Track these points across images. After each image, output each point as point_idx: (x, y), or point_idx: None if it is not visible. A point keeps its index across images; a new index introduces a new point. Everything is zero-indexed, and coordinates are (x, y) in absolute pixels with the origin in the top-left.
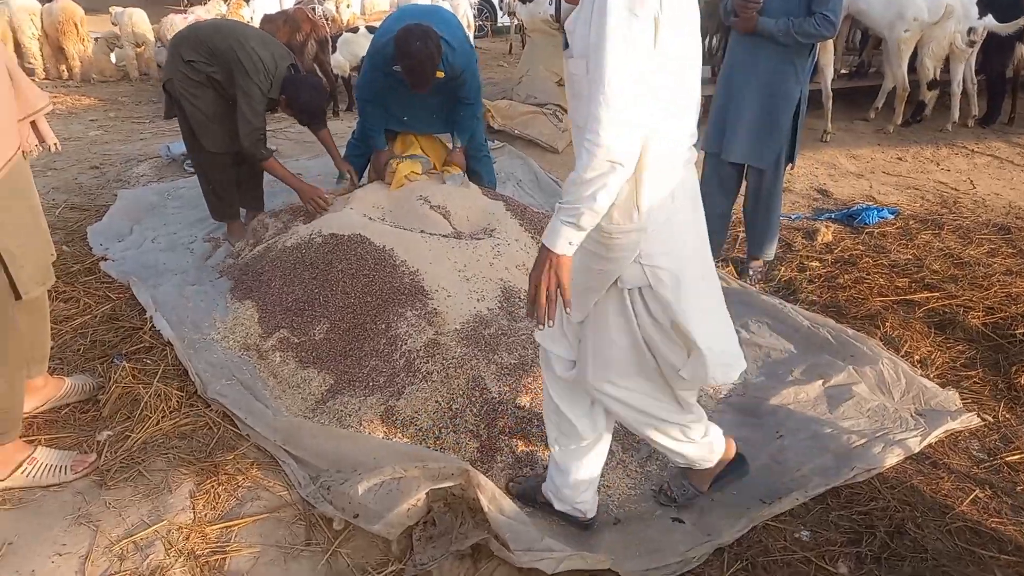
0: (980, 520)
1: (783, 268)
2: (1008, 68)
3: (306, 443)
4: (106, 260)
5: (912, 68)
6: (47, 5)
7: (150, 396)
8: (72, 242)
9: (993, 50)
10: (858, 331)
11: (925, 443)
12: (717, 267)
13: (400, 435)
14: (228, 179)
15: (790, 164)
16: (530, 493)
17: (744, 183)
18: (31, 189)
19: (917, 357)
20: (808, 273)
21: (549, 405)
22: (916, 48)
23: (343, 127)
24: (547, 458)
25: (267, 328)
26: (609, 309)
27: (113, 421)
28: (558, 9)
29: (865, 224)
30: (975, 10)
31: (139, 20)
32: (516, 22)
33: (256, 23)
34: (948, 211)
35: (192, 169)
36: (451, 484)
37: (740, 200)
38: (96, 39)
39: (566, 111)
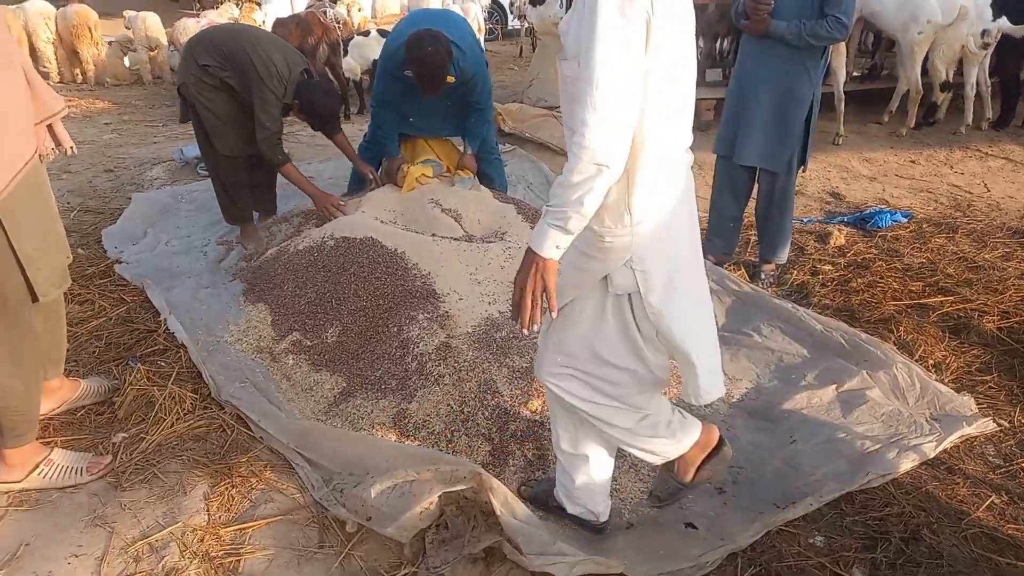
0: (996, 526)
1: (795, 272)
2: (1022, 70)
3: (319, 446)
4: (120, 263)
5: (925, 70)
6: (61, 9)
7: (164, 398)
8: (87, 245)
9: (1007, 52)
10: (872, 335)
11: (940, 448)
12: (729, 270)
13: (412, 438)
14: (241, 183)
15: (802, 167)
16: (542, 497)
17: (756, 186)
18: (48, 192)
19: (931, 361)
20: (821, 277)
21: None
22: (929, 50)
23: (354, 130)
24: None
25: (280, 331)
26: (588, 306)
27: (128, 423)
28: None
29: (878, 227)
30: (989, 12)
31: (152, 24)
32: (526, 25)
33: (268, 27)
34: (962, 214)
35: (205, 172)
36: (463, 487)
37: (752, 203)
38: (110, 43)
39: None
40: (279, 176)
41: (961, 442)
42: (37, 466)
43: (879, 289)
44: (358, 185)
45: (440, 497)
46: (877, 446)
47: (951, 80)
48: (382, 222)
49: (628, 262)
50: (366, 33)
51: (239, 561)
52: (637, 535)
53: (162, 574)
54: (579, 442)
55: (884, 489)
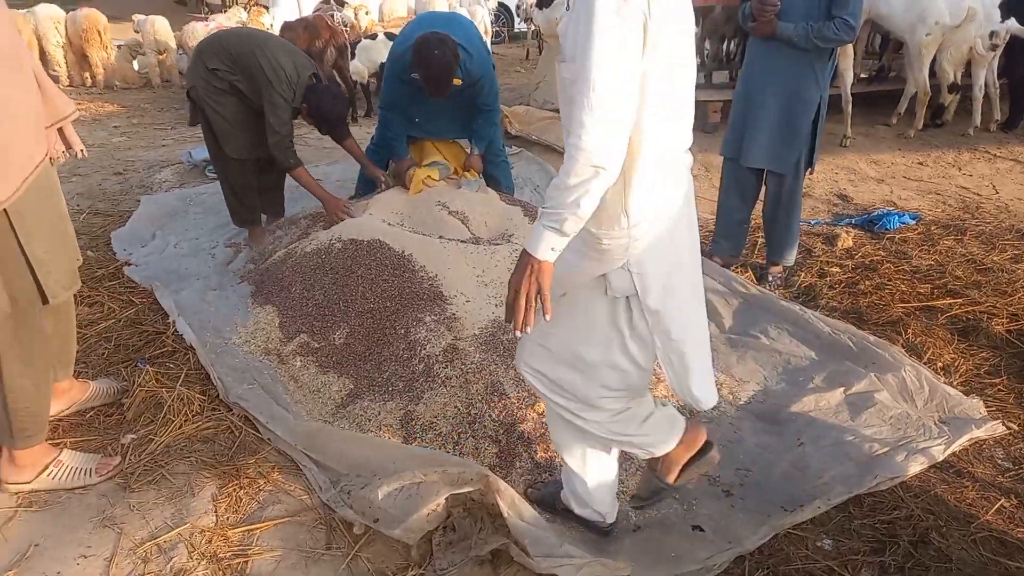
0: (1006, 530)
1: (803, 274)
2: None
3: (326, 447)
4: (129, 265)
5: (932, 72)
6: (71, 13)
7: (173, 400)
8: (96, 247)
9: (1016, 54)
10: (880, 338)
11: (949, 451)
12: (736, 272)
13: (419, 440)
14: (250, 185)
15: (809, 169)
16: (549, 499)
17: (763, 188)
18: (58, 195)
19: (940, 364)
20: (828, 279)
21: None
22: (936, 52)
23: (361, 133)
24: None
25: (288, 333)
26: (580, 299)
27: (137, 424)
28: None
29: (886, 229)
30: (998, 13)
31: (161, 28)
32: (533, 28)
33: (276, 30)
34: (970, 216)
35: (214, 175)
36: (470, 489)
37: (759, 205)
38: (119, 47)
39: None
40: (287, 179)
41: (970, 445)
42: (47, 467)
43: (887, 291)
44: (366, 187)
45: (447, 499)
46: (885, 449)
47: (959, 82)
48: (389, 224)
49: (625, 265)
50: (373, 36)
51: (247, 562)
52: (644, 537)
53: (170, 575)
54: (573, 443)
55: (892, 492)
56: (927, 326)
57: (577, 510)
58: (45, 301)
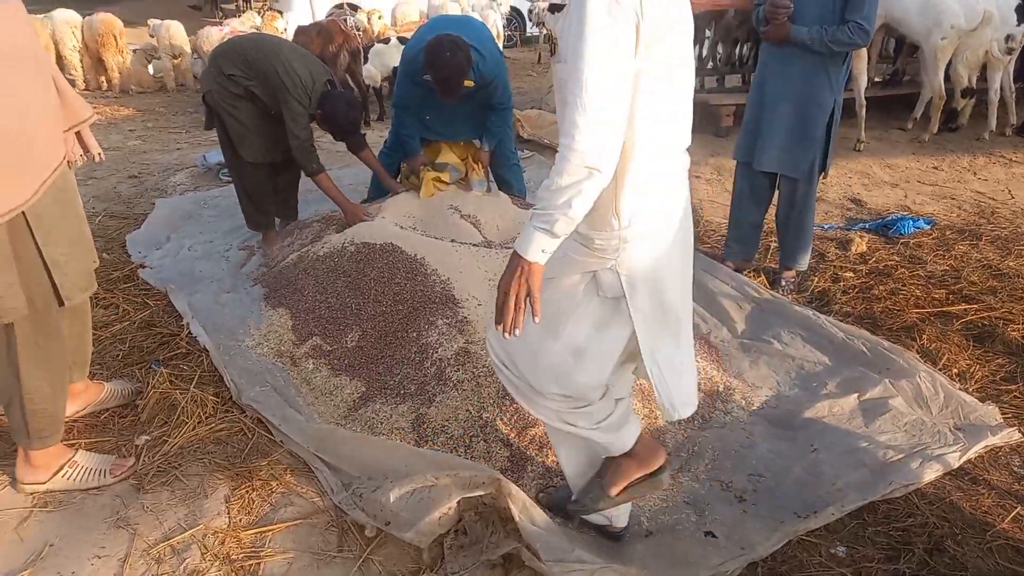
0: (1022, 538)
1: (816, 279)
2: None
3: (338, 450)
4: (144, 267)
5: (947, 76)
6: (88, 18)
7: (187, 401)
8: (111, 250)
9: None
10: (894, 343)
11: (964, 458)
12: (749, 277)
13: (431, 443)
14: (265, 189)
15: (823, 173)
16: (560, 504)
17: (776, 192)
18: (76, 198)
19: (955, 370)
20: (842, 284)
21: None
22: (952, 55)
23: (374, 136)
24: None
25: (300, 335)
26: (564, 284)
27: (151, 426)
28: None
29: (900, 234)
30: (1014, 17)
31: (176, 32)
32: (545, 32)
33: (290, 35)
34: (986, 221)
35: (228, 178)
36: (482, 493)
37: (772, 209)
38: (134, 51)
39: None
40: (300, 183)
41: (985, 452)
42: (62, 468)
43: (901, 297)
44: (378, 192)
45: (459, 502)
46: (900, 456)
47: (974, 86)
48: (402, 228)
49: (614, 266)
50: (386, 40)
51: (259, 564)
52: (656, 543)
53: None
54: (569, 447)
55: (907, 499)
56: (942, 332)
57: (587, 516)
58: (61, 303)
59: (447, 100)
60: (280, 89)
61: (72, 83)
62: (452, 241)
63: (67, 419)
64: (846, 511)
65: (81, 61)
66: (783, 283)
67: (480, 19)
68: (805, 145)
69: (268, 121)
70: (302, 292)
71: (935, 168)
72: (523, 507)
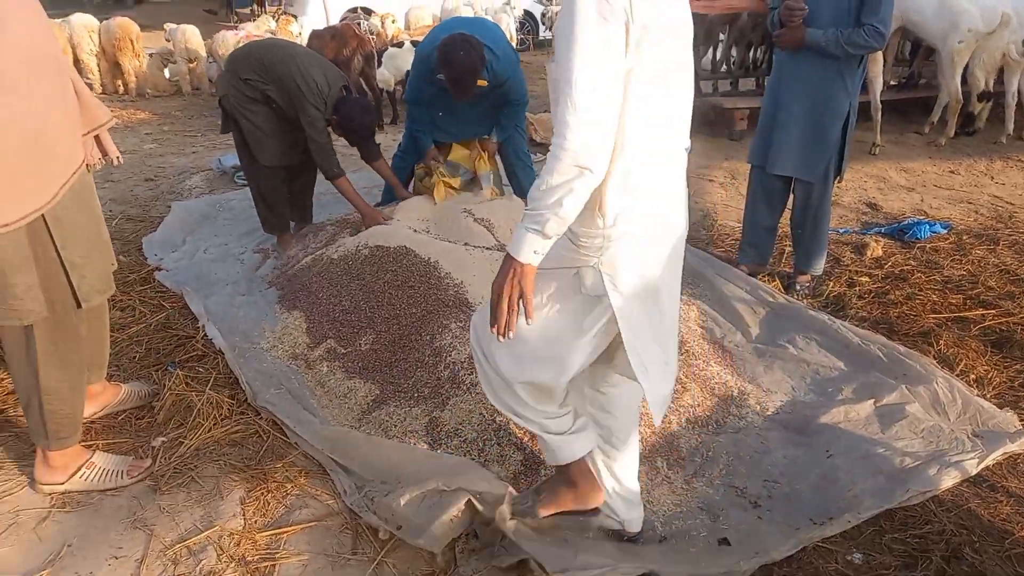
0: None
1: (831, 283)
2: None
3: (351, 453)
4: (160, 270)
5: (964, 79)
6: (105, 22)
7: (203, 403)
8: (128, 252)
9: None
10: (911, 349)
11: (983, 465)
12: (763, 281)
13: (444, 446)
14: (280, 193)
15: (838, 177)
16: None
17: (791, 196)
18: (94, 201)
19: (973, 376)
20: (857, 289)
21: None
22: (969, 59)
23: (387, 140)
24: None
25: (315, 338)
26: (549, 275)
27: (167, 427)
28: None
29: (916, 239)
30: None
31: (192, 36)
32: None
33: (304, 39)
34: (1003, 226)
35: (243, 181)
36: (483, 510)
37: (787, 213)
38: (151, 55)
39: None
40: (315, 186)
41: (1004, 459)
42: (79, 468)
43: (918, 302)
44: (390, 196)
45: (468, 504)
46: (917, 462)
47: (991, 89)
48: (416, 231)
49: (597, 264)
50: (400, 44)
51: (274, 566)
52: (669, 548)
53: None
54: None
55: (924, 506)
56: (959, 337)
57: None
58: (79, 305)
59: (460, 99)
60: (296, 94)
61: (89, 87)
62: (465, 245)
63: (85, 420)
64: (862, 518)
65: (98, 65)
66: (798, 287)
67: (493, 22)
68: (820, 149)
69: (284, 125)
70: (316, 295)
71: (952, 172)
72: (516, 528)
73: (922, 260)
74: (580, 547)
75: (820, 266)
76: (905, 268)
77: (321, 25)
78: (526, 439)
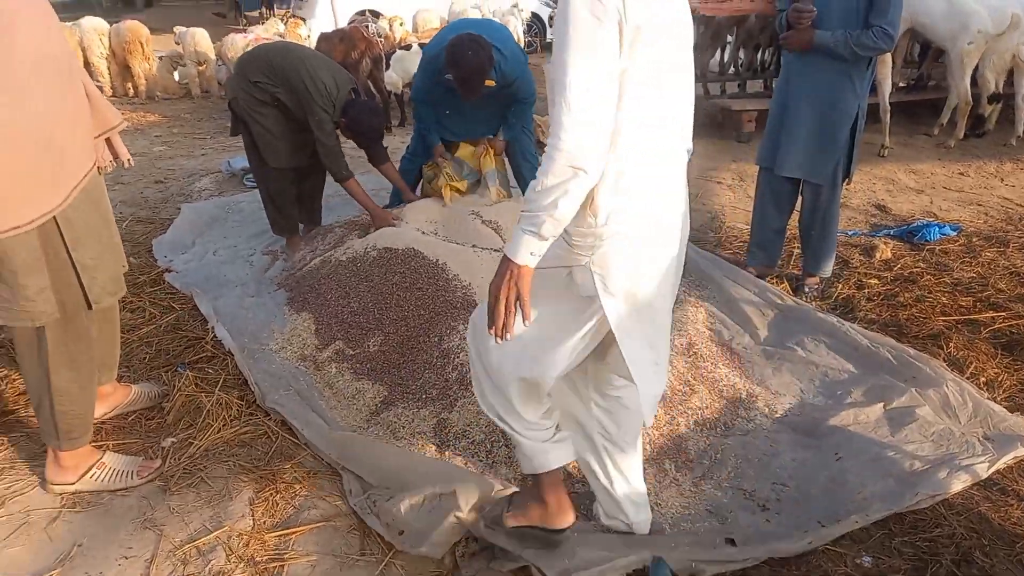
0: None
1: (840, 285)
2: None
3: (358, 458)
4: (170, 272)
5: (974, 81)
6: (115, 25)
7: (212, 404)
8: (138, 254)
9: None
10: (920, 351)
11: (993, 469)
12: (771, 283)
13: (452, 448)
14: (289, 195)
15: (847, 179)
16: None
17: (800, 198)
18: (106, 204)
19: (983, 379)
20: (866, 291)
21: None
22: (979, 60)
23: (396, 142)
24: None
25: (323, 340)
26: (542, 277)
27: (177, 428)
28: None
29: (926, 241)
30: None
31: (201, 39)
32: None
33: (313, 41)
34: (1014, 228)
35: (252, 184)
36: (476, 519)
37: (796, 215)
38: (160, 58)
39: None
40: (325, 189)
41: (1015, 463)
42: (90, 469)
43: (927, 304)
44: (397, 199)
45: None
46: (927, 465)
47: (1001, 91)
48: (424, 233)
49: (588, 263)
50: (408, 47)
51: (283, 567)
52: (670, 537)
53: None
54: (590, 457)
55: (934, 510)
56: (969, 340)
57: (605, 520)
58: (89, 306)
59: (468, 99)
60: (304, 96)
61: (99, 89)
62: (473, 246)
63: (95, 421)
64: (871, 520)
65: (108, 68)
66: (806, 289)
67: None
68: (829, 150)
69: (293, 127)
70: (325, 297)
71: (961, 174)
72: (506, 538)
73: (931, 262)
74: (578, 541)
75: (829, 268)
76: (914, 270)
77: (329, 28)
78: None
